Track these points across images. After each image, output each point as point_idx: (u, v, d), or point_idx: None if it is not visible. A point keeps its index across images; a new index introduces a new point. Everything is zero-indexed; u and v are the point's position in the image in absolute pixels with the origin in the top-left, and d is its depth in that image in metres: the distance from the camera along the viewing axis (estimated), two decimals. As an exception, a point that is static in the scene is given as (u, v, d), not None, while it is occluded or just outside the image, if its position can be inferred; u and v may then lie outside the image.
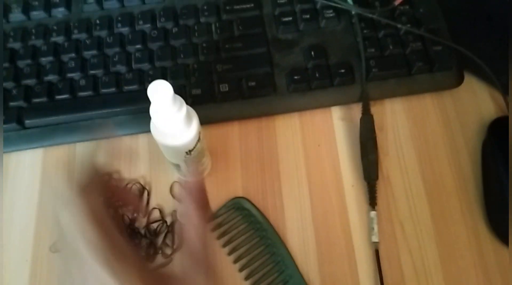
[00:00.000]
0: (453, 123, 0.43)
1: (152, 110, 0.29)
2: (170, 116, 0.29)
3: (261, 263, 0.37)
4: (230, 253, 0.37)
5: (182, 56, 0.42)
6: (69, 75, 0.42)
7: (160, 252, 0.38)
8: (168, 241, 0.38)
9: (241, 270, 0.37)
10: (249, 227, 0.38)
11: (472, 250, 0.38)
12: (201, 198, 0.28)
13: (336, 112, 0.43)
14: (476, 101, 0.44)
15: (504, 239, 0.38)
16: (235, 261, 0.37)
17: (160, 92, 0.28)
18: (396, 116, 0.43)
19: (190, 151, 0.33)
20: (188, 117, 0.31)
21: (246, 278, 0.37)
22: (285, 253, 0.37)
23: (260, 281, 0.36)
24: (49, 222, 0.39)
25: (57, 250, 0.33)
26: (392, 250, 0.38)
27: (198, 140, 0.33)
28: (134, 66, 0.42)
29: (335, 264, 0.38)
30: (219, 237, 0.38)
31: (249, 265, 0.37)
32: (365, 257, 0.38)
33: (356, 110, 0.43)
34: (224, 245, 0.38)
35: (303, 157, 0.41)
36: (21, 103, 0.41)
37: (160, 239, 0.38)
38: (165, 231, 0.38)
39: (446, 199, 0.40)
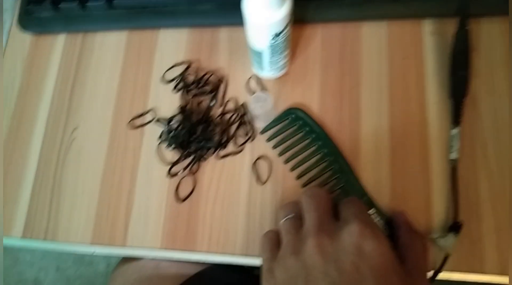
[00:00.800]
0: (555, 52, 0.39)
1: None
2: (270, -16, 0.28)
3: (317, 171, 0.37)
4: (286, 162, 0.37)
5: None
6: (158, -41, 0.42)
7: (233, 141, 0.38)
8: (240, 132, 0.38)
9: (298, 177, 0.37)
10: (304, 137, 0.38)
11: (558, 182, 0.36)
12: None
13: (427, 26, 0.40)
14: None
15: None
16: (292, 169, 0.37)
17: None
18: (491, 37, 0.40)
19: (278, 33, 0.32)
20: (284, -7, 0.30)
21: (304, 185, 0.37)
22: (342, 161, 0.37)
23: None
24: (127, 101, 0.40)
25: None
26: (470, 170, 0.36)
27: (288, 23, 0.32)
28: (223, -44, 0.41)
29: (408, 174, 0.37)
30: (275, 147, 0.38)
31: (306, 172, 0.37)
32: (441, 172, 0.36)
33: (450, 26, 0.40)
34: (280, 154, 0.37)
35: (387, 68, 0.39)
36: (111, -17, 0.42)
37: (233, 129, 0.38)
38: (238, 122, 0.38)
39: (536, 128, 0.37)
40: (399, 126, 0.38)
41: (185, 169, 0.37)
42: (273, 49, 0.34)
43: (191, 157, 0.37)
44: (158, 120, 0.39)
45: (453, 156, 0.36)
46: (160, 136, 0.39)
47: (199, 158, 0.37)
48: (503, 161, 0.36)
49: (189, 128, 0.38)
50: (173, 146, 0.38)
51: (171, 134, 0.38)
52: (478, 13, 0.39)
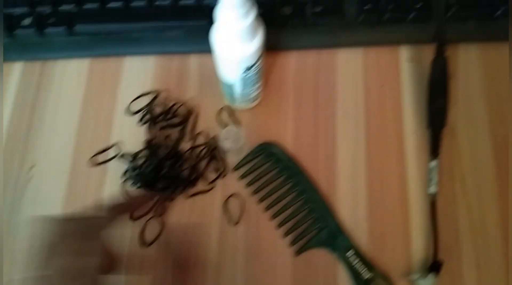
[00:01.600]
0: (532, 79, 0.39)
1: (219, 10, 0.26)
2: (238, 18, 0.26)
3: (293, 210, 0.35)
4: (260, 201, 0.35)
5: (244, -27, 0.39)
6: (123, -18, 0.39)
7: (203, 178, 0.36)
8: (211, 168, 0.36)
9: (273, 217, 0.35)
10: (279, 174, 0.36)
11: (538, 214, 0.35)
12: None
13: (404, 52, 0.39)
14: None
15: None
16: (266, 209, 0.35)
17: (232, -12, 0.25)
18: (469, 63, 0.39)
19: (249, 67, 0.31)
20: (255, 26, 0.28)
21: (279, 225, 0.35)
22: (319, 199, 0.35)
23: (294, 228, 0.34)
24: (89, 136, 0.38)
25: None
26: (449, 205, 0.35)
27: (260, 56, 0.31)
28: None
29: (386, 212, 0.35)
30: (248, 184, 0.35)
31: (281, 212, 0.35)
32: (420, 208, 0.35)
33: (427, 52, 0.39)
34: (254, 193, 0.35)
35: (363, 97, 0.38)
36: (72, 7, 0.39)
37: (203, 165, 0.36)
38: (209, 157, 0.36)
39: (514, 159, 0.36)
40: (377, 159, 0.36)
41: (150, 210, 0.35)
42: (245, 82, 0.33)
43: (157, 198, 0.35)
44: (122, 156, 0.36)
45: (432, 189, 0.35)
46: (125, 174, 0.36)
47: (166, 198, 0.35)
48: (482, 194, 0.35)
49: (155, 164, 0.35)
50: (138, 184, 0.35)
51: (136, 171, 0.35)
52: (455, 40, 0.38)
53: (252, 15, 0.26)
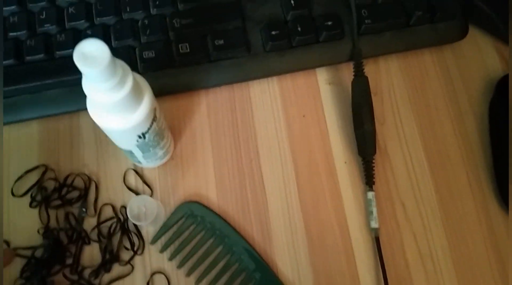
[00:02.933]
0: (455, 82, 0.37)
1: (85, 84, 0.21)
2: (110, 90, 0.21)
3: (228, 277, 0.30)
4: (188, 274, 0.30)
5: (128, 9, 0.33)
6: (-19, 39, 0.32)
7: (117, 259, 0.30)
8: (125, 244, 0.31)
9: None
10: (206, 236, 0.31)
11: (482, 226, 0.33)
12: None
13: (322, 75, 0.36)
14: (480, 56, 0.38)
15: (517, 213, 0.33)
16: (197, 282, 0.30)
17: (93, 57, 0.19)
18: (391, 77, 0.36)
19: (143, 134, 0.26)
20: (137, 90, 0.23)
21: None
22: (256, 258, 0.31)
23: None
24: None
25: None
26: (394, 235, 0.33)
27: (154, 119, 0.26)
28: (67, 25, 0.33)
29: (329, 257, 0.32)
30: (172, 257, 0.31)
31: (214, 282, 0.30)
32: (363, 245, 0.32)
33: (346, 71, 0.36)
34: (180, 265, 0.30)
35: (286, 130, 0.34)
36: None
37: (115, 242, 0.31)
38: (120, 232, 0.31)
39: (451, 170, 0.34)
40: (311, 198, 0.33)
41: None
42: (144, 147, 0.27)
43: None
44: (17, 255, 0.30)
45: (373, 224, 0.32)
46: (21, 276, 0.30)
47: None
48: (427, 215, 0.33)
49: (59, 256, 0.29)
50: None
51: (38, 269, 0.29)
52: (373, 54, 0.35)
53: (129, 82, 0.21)
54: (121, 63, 0.21)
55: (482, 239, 0.33)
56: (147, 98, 0.24)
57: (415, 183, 0.34)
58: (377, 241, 0.32)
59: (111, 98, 0.21)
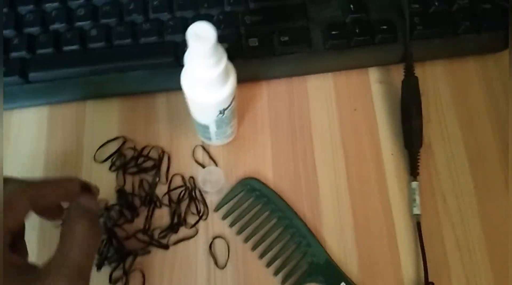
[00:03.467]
0: (496, 90, 0.40)
1: (189, 57, 0.25)
2: (209, 67, 0.25)
3: (281, 246, 0.34)
4: (246, 240, 0.34)
5: (206, 5, 0.37)
6: (78, 24, 0.37)
7: (184, 223, 0.34)
8: (192, 210, 0.35)
9: (261, 257, 0.34)
10: (262, 209, 0.35)
11: (518, 224, 0.35)
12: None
13: (373, 74, 0.39)
14: (522, 66, 0.40)
15: (553, 214, 0.35)
16: (253, 248, 0.34)
17: (203, 37, 0.23)
18: (437, 80, 0.40)
19: (224, 109, 0.29)
20: (226, 71, 0.27)
21: (268, 264, 0.33)
22: (306, 232, 0.34)
23: (283, 265, 0.33)
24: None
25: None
26: (433, 224, 0.35)
27: (234, 98, 0.29)
28: (151, 15, 0.37)
29: (373, 238, 0.35)
30: (232, 224, 0.34)
31: (269, 250, 0.34)
32: (405, 230, 0.35)
33: (396, 72, 0.39)
34: (239, 232, 0.34)
35: (338, 122, 0.38)
36: (24, 54, 0.36)
37: (183, 207, 0.35)
38: (187, 199, 0.35)
39: (489, 170, 0.37)
40: (358, 184, 0.36)
41: (126, 272, 0.33)
42: (219, 123, 0.31)
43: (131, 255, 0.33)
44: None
45: (416, 210, 0.35)
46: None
47: (144, 250, 0.33)
48: (464, 210, 0.36)
49: (131, 217, 0.33)
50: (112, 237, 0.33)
51: (110, 223, 0.33)
52: (422, 58, 0.39)
53: (223, 62, 0.25)
54: (220, 46, 0.25)
55: (516, 235, 0.35)
56: (232, 79, 0.28)
57: (456, 178, 0.37)
58: (418, 226, 0.35)
59: (208, 73, 0.25)
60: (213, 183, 0.33)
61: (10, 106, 0.37)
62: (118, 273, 0.33)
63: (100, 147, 0.36)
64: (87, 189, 0.27)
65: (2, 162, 0.35)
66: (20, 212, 0.23)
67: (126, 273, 0.33)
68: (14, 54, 0.36)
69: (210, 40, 0.23)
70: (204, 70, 0.25)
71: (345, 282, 0.33)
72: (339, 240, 0.35)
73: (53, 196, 0.25)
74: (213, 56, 0.24)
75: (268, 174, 0.36)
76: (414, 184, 0.35)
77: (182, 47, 0.36)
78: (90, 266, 0.24)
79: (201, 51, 0.24)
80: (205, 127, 0.32)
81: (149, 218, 0.34)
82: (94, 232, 0.25)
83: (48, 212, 0.27)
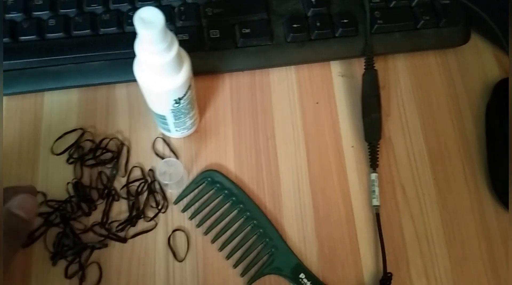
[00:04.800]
0: (457, 83, 0.40)
1: (138, 44, 0.25)
2: (159, 52, 0.25)
3: (241, 238, 0.34)
4: (206, 233, 0.34)
5: (167, -4, 0.37)
6: (36, 14, 0.36)
7: (142, 215, 0.34)
8: (151, 203, 0.34)
9: (221, 249, 0.33)
10: (223, 202, 0.34)
11: (475, 214, 0.36)
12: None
13: (335, 67, 0.40)
14: (480, 61, 0.41)
15: (506, 204, 0.36)
16: (213, 240, 0.34)
17: (150, 22, 0.23)
18: (398, 74, 0.40)
19: (179, 98, 0.29)
20: (179, 58, 0.27)
21: (228, 256, 0.33)
22: (267, 224, 0.34)
23: (243, 257, 0.33)
24: (13, 180, 0.34)
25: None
26: (393, 214, 0.36)
27: (189, 87, 0.29)
28: (111, 6, 0.37)
29: (333, 229, 0.35)
30: (192, 217, 0.34)
31: (229, 242, 0.34)
32: (365, 221, 0.35)
33: (357, 66, 0.39)
34: (198, 225, 0.34)
35: (300, 114, 0.38)
36: (-22, 43, 0.35)
37: (142, 200, 0.34)
38: (147, 191, 0.34)
39: (449, 162, 0.38)
40: (319, 176, 0.36)
41: (82, 266, 0.32)
42: (177, 113, 0.31)
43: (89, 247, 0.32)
44: (47, 203, 0.33)
45: (375, 201, 0.35)
46: (45, 222, 0.33)
47: (101, 246, 0.32)
48: (422, 201, 0.36)
49: (88, 211, 0.33)
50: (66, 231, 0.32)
51: (65, 217, 0.32)
52: (383, 52, 0.39)
53: (175, 48, 0.25)
54: (169, 31, 0.25)
55: (474, 226, 0.36)
56: (186, 66, 0.28)
57: (415, 169, 0.37)
58: (377, 217, 0.35)
59: (159, 60, 0.25)
60: (172, 174, 0.33)
61: (-37, 97, 0.35)
62: (74, 267, 0.32)
63: (58, 138, 0.35)
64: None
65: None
66: None
67: (83, 267, 0.32)
68: (-33, 44, 0.35)
69: (158, 25, 0.23)
70: (154, 57, 0.25)
71: (304, 273, 0.33)
72: (299, 232, 0.35)
73: None
74: (162, 41, 0.24)
75: (230, 166, 0.36)
76: (374, 176, 0.36)
77: (142, 38, 0.36)
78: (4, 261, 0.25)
79: (149, 36, 0.23)
80: (163, 118, 0.32)
81: (106, 211, 0.33)
82: (9, 242, 0.25)
83: None
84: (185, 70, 0.28)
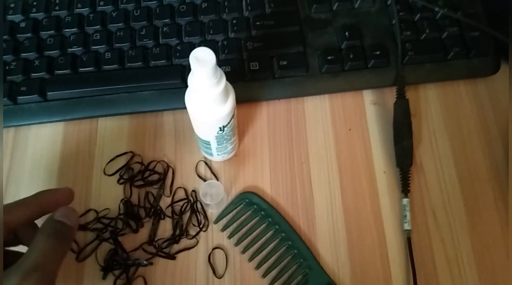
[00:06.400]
0: (486, 112, 0.41)
1: (192, 78, 0.28)
2: (210, 86, 0.28)
3: (277, 258, 0.36)
4: (243, 251, 0.36)
5: (211, 32, 0.41)
6: (94, 47, 0.41)
7: (185, 234, 0.36)
8: (193, 221, 0.37)
9: (257, 267, 0.35)
10: (260, 222, 0.37)
11: (506, 241, 0.37)
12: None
13: (368, 96, 0.42)
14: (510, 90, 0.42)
15: (540, 231, 0.36)
16: (250, 259, 0.36)
17: (203, 60, 0.26)
18: (429, 103, 0.42)
19: (224, 126, 0.32)
20: (226, 91, 0.29)
21: (264, 275, 0.35)
22: (301, 245, 0.36)
23: (278, 276, 0.35)
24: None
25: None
26: (424, 239, 0.37)
27: (233, 116, 0.32)
28: (161, 41, 0.41)
29: (365, 252, 0.36)
30: (231, 236, 0.36)
31: (265, 261, 0.35)
32: (396, 245, 0.37)
33: (389, 94, 0.41)
34: (237, 243, 0.36)
35: (333, 141, 0.40)
36: (43, 74, 0.39)
37: (185, 219, 0.37)
38: (189, 211, 0.37)
39: (479, 189, 0.38)
40: (352, 199, 0.38)
41: (129, 280, 0.35)
42: (220, 139, 0.34)
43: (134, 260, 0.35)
44: (99, 219, 0.36)
45: (406, 226, 0.37)
46: (97, 237, 0.36)
47: (148, 263, 0.35)
48: (453, 226, 0.37)
49: (135, 228, 0.36)
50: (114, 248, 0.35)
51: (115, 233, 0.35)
52: (414, 81, 0.41)
53: (223, 82, 0.28)
54: (219, 68, 0.28)
55: (504, 251, 0.36)
56: (231, 98, 0.31)
57: (446, 195, 0.38)
58: (408, 241, 0.36)
59: (209, 92, 0.28)
60: (213, 195, 0.35)
61: (29, 122, 0.39)
62: (121, 281, 0.35)
63: (110, 161, 0.39)
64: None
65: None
66: None
67: (130, 281, 0.35)
68: (34, 75, 0.39)
69: (210, 63, 0.26)
70: (206, 90, 0.28)
71: (337, 294, 0.34)
72: (332, 253, 0.36)
73: (21, 213, 0.28)
74: (213, 77, 0.27)
75: (266, 189, 0.38)
76: (405, 201, 0.37)
77: (188, 70, 0.39)
78: (51, 266, 0.26)
79: (202, 73, 0.26)
80: (207, 143, 0.35)
81: (153, 229, 0.36)
82: (58, 241, 0.27)
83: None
84: (230, 101, 0.30)
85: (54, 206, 0.29)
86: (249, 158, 0.39)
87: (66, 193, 0.31)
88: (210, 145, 0.35)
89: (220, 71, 0.28)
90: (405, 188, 0.38)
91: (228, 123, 0.32)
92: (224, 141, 0.35)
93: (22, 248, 0.30)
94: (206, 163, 0.39)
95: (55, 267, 0.26)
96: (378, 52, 0.40)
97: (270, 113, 0.41)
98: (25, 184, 0.38)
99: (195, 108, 0.30)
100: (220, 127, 0.32)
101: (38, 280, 0.25)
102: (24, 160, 0.39)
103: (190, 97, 0.30)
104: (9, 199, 0.38)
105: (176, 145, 0.39)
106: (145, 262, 0.35)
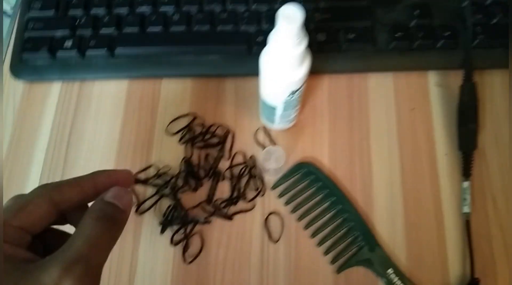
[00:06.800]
0: (554, 103, 0.40)
1: (275, 36, 0.28)
2: (292, 46, 0.27)
3: (332, 228, 0.36)
4: (300, 219, 0.36)
5: (279, 1, 0.40)
6: (162, 9, 0.41)
7: (243, 196, 0.36)
8: (250, 186, 0.37)
9: (313, 236, 0.36)
10: (317, 192, 0.37)
11: None
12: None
13: (432, 77, 0.41)
14: None
15: None
16: (306, 227, 0.36)
17: (291, 17, 0.26)
18: (495, 89, 0.41)
19: (294, 91, 0.32)
20: (305, 53, 0.29)
21: (319, 244, 0.35)
22: (358, 218, 0.36)
23: (334, 247, 0.35)
24: (129, 155, 0.39)
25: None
26: (482, 224, 0.36)
27: (305, 81, 0.32)
28: (228, 6, 0.41)
29: (422, 232, 0.36)
30: (288, 203, 0.36)
31: (321, 231, 0.36)
32: (454, 227, 0.36)
33: (454, 77, 0.40)
34: (293, 211, 0.36)
35: (396, 119, 0.39)
36: (112, 31, 0.40)
37: (243, 183, 0.37)
38: (247, 175, 0.37)
39: (542, 179, 0.38)
40: (411, 179, 0.38)
41: (187, 236, 0.35)
42: (287, 105, 0.34)
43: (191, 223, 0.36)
44: (160, 176, 0.37)
45: (466, 209, 0.36)
46: (156, 193, 0.37)
47: (206, 221, 0.36)
48: (513, 213, 0.36)
49: (195, 186, 0.36)
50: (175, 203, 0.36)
51: (174, 190, 0.36)
52: (480, 66, 0.40)
53: (305, 43, 0.28)
54: (303, 28, 0.28)
55: None
56: (307, 62, 0.30)
57: (507, 182, 0.37)
58: (467, 224, 0.36)
59: (290, 52, 0.28)
60: (275, 160, 0.35)
61: (94, 76, 0.40)
62: (179, 236, 0.35)
63: (172, 121, 0.39)
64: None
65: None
66: (36, 213, 0.23)
67: (187, 237, 0.35)
68: (103, 31, 0.40)
69: (297, 20, 0.26)
70: (287, 49, 0.28)
71: (392, 268, 0.34)
72: (389, 230, 0.36)
73: (73, 194, 0.24)
74: (297, 36, 0.27)
75: (324, 161, 0.38)
76: (466, 184, 0.37)
77: (254, 37, 0.39)
78: (97, 257, 0.22)
79: (288, 30, 0.26)
80: (272, 109, 0.35)
81: (212, 189, 0.36)
82: (107, 227, 0.23)
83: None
84: (306, 65, 0.30)
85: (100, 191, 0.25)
86: (308, 129, 0.39)
87: (125, 175, 0.27)
88: (275, 110, 0.35)
89: (304, 32, 0.28)
90: (466, 171, 0.37)
91: (299, 88, 0.32)
92: (290, 108, 0.35)
93: (69, 228, 0.25)
94: (265, 131, 0.39)
95: (101, 259, 0.22)
96: (447, 33, 0.39)
97: (332, 87, 0.41)
98: (87, 137, 0.39)
99: (272, 68, 0.30)
100: (292, 91, 0.32)
101: (82, 275, 0.20)
102: (88, 114, 0.40)
103: (268, 55, 0.30)
104: (73, 149, 0.39)
105: (237, 111, 0.40)
106: (203, 220, 0.35)
